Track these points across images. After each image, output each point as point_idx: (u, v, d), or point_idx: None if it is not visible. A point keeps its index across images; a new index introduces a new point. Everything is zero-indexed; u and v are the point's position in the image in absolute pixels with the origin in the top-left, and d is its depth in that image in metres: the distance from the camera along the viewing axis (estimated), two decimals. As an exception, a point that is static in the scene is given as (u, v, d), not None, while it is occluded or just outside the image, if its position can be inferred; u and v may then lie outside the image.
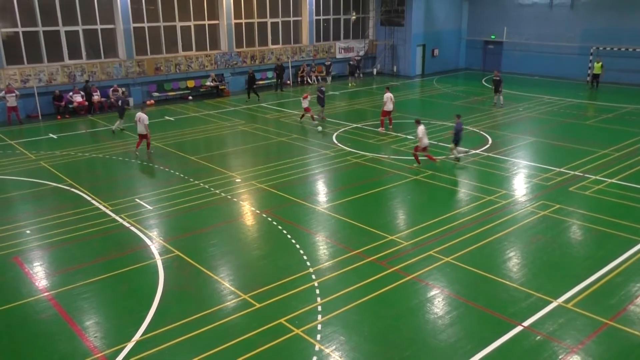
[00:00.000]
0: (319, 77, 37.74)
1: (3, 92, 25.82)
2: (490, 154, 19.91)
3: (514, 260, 12.06)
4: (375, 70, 41.32)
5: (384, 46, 41.40)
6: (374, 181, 17.27)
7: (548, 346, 9.06)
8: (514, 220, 14.09)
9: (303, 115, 25.63)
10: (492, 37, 41.03)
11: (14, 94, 25.88)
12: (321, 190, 16.88)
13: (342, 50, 40.43)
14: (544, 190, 16.23)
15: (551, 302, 10.30)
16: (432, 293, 10.72)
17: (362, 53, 40.90)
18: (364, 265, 11.78)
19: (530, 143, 21.65)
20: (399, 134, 22.91)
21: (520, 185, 16.84)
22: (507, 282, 11.07)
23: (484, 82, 36.73)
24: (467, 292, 10.72)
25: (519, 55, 40.09)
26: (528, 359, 8.78)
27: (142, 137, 20.68)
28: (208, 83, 32.96)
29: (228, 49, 34.54)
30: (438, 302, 10.44)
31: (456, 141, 18.91)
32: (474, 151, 20.13)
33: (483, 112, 27.43)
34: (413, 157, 18.75)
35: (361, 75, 39.52)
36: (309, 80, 37.38)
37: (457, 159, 18.87)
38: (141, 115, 20.35)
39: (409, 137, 21.62)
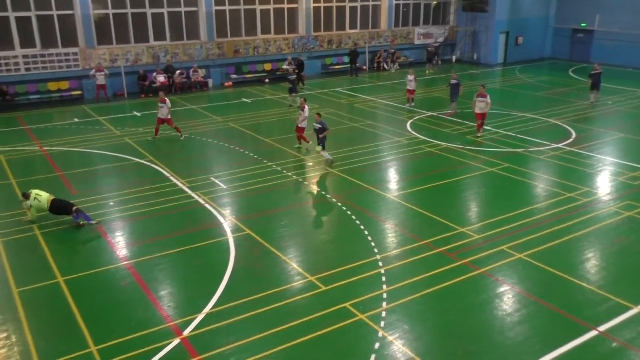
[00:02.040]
0: (396, 64, 37.17)
1: (93, 70, 27.32)
2: (573, 149, 18.97)
3: (592, 262, 11.49)
4: (454, 58, 40.22)
5: (464, 33, 40.19)
6: (447, 171, 16.92)
7: (625, 354, 8.61)
8: (595, 219, 13.39)
9: (410, 100, 25.86)
10: (583, 25, 38.82)
11: (103, 73, 27.33)
12: (392, 178, 16.75)
13: (421, 36, 39.60)
14: (630, 189, 15.30)
15: (631, 308, 9.75)
16: (502, 289, 10.42)
17: (441, 39, 39.89)
18: (432, 256, 11.62)
19: (619, 139, 20.42)
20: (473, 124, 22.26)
21: (604, 183, 15.96)
22: (584, 284, 10.58)
23: (570, 73, 34.90)
24: (539, 291, 10.34)
25: (610, 45, 37.71)
26: (602, 364, 8.40)
27: (163, 121, 20.46)
28: (285, 66, 33.31)
29: (306, 33, 34.73)
30: (507, 298, 10.14)
31: (321, 142, 17.36)
32: (554, 145, 19.24)
33: (568, 104, 26.10)
34: (486, 146, 18.17)
35: (439, 62, 38.60)
36: (384, 66, 36.95)
37: (330, 163, 17.37)
38: (166, 99, 20.36)
39: (486, 127, 20.92)
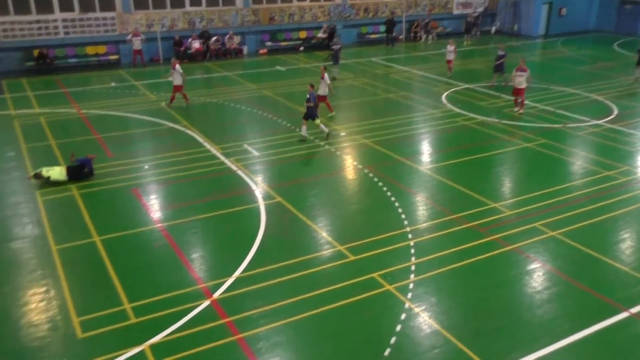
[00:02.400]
0: (434, 34, 36.35)
1: (130, 35, 27.55)
2: (613, 126, 18.38)
3: (628, 243, 11.23)
4: (493, 29, 39.07)
5: (505, 3, 38.92)
6: (482, 145, 16.64)
7: (656, 336, 8.46)
8: (634, 199, 13.03)
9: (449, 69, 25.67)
10: (632, -4, 37.17)
11: (139, 38, 27.55)
12: (425, 150, 16.57)
13: (460, 6, 38.56)
14: (672, 170, 14.81)
15: (666, 290, 9.54)
16: (532, 266, 10.30)
17: (480, 10, 38.76)
18: (462, 231, 11.53)
19: (663, 117, 19.69)
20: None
21: (644, 163, 15.49)
22: (618, 265, 10.37)
23: (615, 47, 33.59)
24: (571, 270, 10.19)
25: (661, 18, 36.06)
26: (632, 347, 8.27)
27: (178, 88, 20.24)
28: (320, 35, 32.96)
29: (342, 1, 34.19)
30: (538, 276, 10.03)
31: (312, 117, 16.80)
32: (595, 121, 18.68)
33: (611, 79, 25.20)
34: (523, 120, 17.76)
35: (478, 33, 37.59)
36: (421, 36, 36.19)
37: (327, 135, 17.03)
38: (177, 65, 20.03)
39: (526, 102, 20.40)
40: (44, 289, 9.51)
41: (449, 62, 25.75)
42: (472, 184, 13.79)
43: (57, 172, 13.53)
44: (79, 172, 13.74)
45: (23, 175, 14.05)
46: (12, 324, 8.63)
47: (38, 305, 9.06)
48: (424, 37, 35.88)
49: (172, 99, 20.44)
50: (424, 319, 8.78)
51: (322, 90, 18.98)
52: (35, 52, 26.40)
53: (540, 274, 10.09)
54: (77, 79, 24.99)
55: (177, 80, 20.00)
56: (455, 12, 38.44)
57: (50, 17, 26.74)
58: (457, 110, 20.18)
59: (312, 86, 17.21)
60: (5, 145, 16.45)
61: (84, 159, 13.94)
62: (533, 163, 15.56)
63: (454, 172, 14.65)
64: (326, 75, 18.95)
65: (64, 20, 27.01)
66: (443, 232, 11.47)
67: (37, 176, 13.47)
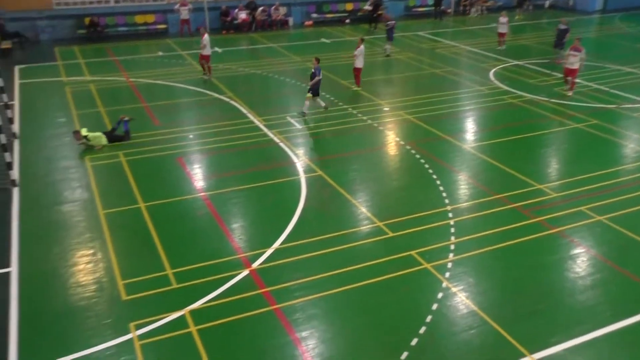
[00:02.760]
0: (484, 8, 35.23)
1: (178, 5, 27.75)
2: (672, 109, 17.54)
3: (680, 230, 10.79)
4: (547, 3, 37.52)
5: (562, -24, 37.26)
6: (529, 124, 16.17)
7: None
8: (689, 186, 12.48)
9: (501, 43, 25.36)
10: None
11: (187, 7, 27.73)
12: (469, 128, 16.23)
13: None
14: None
15: None
16: (576, 251, 10.05)
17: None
18: (505, 211, 11.32)
19: None
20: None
21: (703, 148, 14.75)
22: (667, 253, 10.00)
23: (679, 25, 31.79)
24: (617, 256, 9.89)
25: None
26: (677, 337, 8.03)
27: (207, 58, 20.25)
28: (366, 7, 32.39)
29: (390, -28, 33.44)
30: (581, 261, 9.78)
31: (314, 92, 16.50)
32: (652, 103, 17.83)
33: (672, 59, 23.93)
34: (574, 100, 17.11)
35: (531, 7, 36.18)
36: (470, 10, 35.07)
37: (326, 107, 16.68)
38: (205, 34, 19.99)
39: (579, 81, 19.62)
40: (91, 251, 9.89)
41: (501, 34, 25.20)
42: (518, 164, 13.46)
43: (96, 136, 14.09)
44: (112, 133, 14.54)
45: (74, 140, 14.50)
46: (61, 283, 9.02)
47: (86, 267, 9.43)
48: (473, 10, 34.79)
49: (210, 69, 20.55)
50: (461, 299, 8.73)
51: (358, 62, 18.77)
52: (87, 20, 26.97)
53: (585, 259, 9.83)
54: (126, 48, 25.44)
55: (205, 50, 19.95)
56: (508, -15, 37.04)
57: (101, -15, 27.22)
58: (504, 87, 19.62)
59: (318, 60, 16.79)
60: (57, 111, 16.99)
61: (119, 121, 14.72)
62: (582, 144, 15.04)
63: (498, 151, 14.33)
64: (362, 46, 18.72)
65: (115, -12, 27.45)
66: (485, 212, 11.29)
67: (77, 135, 13.96)
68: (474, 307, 8.53)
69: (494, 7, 36.09)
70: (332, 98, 18.32)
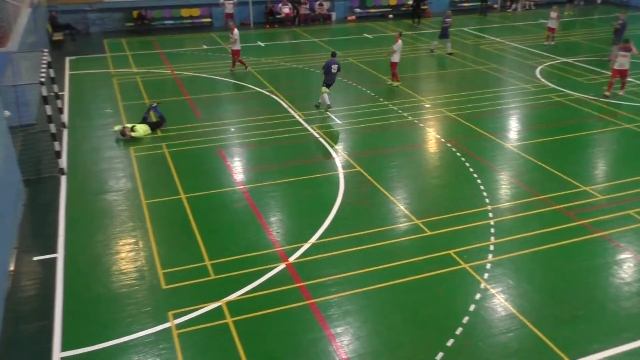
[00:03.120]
0: (531, 4, 34.32)
1: (223, -2, 28.10)
2: None
3: None
4: (599, -1, 36.28)
5: (616, -29, 35.94)
6: (576, 124, 15.70)
7: None
8: None
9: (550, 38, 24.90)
10: None
11: (232, 1, 28.03)
12: (513, 127, 15.87)
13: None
14: None
15: None
16: (623, 256, 9.71)
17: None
18: (548, 213, 11.03)
19: None
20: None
21: None
22: None
23: None
24: (666, 263, 9.52)
25: None
26: None
27: (236, 53, 20.46)
28: (410, 2, 32.02)
29: (436, -33, 32.95)
30: (628, 267, 9.45)
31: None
32: None
33: None
34: (625, 100, 16.48)
35: (582, 2, 35.03)
36: (517, 6, 34.21)
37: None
38: (235, 29, 20.21)
39: (631, 80, 18.88)
40: (133, 240, 10.15)
41: (550, 29, 24.53)
42: (563, 164, 13.09)
43: (143, 128, 14.51)
44: (153, 124, 15.08)
45: (120, 136, 14.87)
46: (103, 270, 9.30)
47: (128, 255, 9.68)
48: (514, 7, 33.90)
49: (235, 62, 20.72)
50: (500, 301, 8.57)
51: (395, 57, 18.63)
52: (135, 14, 27.60)
53: (631, 264, 9.49)
54: (172, 41, 25.91)
55: (236, 45, 20.16)
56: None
57: (149, -21, 27.80)
58: (551, 85, 19.09)
59: (334, 54, 16.88)
60: (104, 102, 17.47)
61: (148, 109, 15.41)
62: (632, 146, 14.49)
63: (543, 151, 13.96)
64: (400, 41, 18.61)
65: (162, -18, 27.99)
66: (527, 213, 11.03)
67: (125, 131, 14.30)
68: (512, 310, 8.36)
69: (542, 2, 35.13)
70: (372, 94, 18.22)
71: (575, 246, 9.97)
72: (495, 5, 34.09)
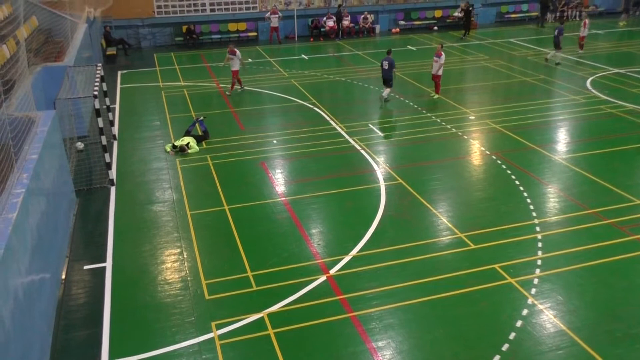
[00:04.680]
0: (580, 12, 33.46)
1: (269, 13, 28.56)
2: None
3: None
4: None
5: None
6: (630, 136, 15.12)
7: None
8: None
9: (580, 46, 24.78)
10: None
11: (277, 15, 28.47)
12: (562, 139, 15.42)
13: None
14: None
15: None
16: (680, 273, 9.25)
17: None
18: (599, 227, 10.64)
19: None
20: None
21: None
22: None
23: None
24: None
25: None
26: None
27: (235, 73, 19.79)
28: (456, 14, 31.76)
29: (482, -23, 32.60)
30: (685, 285, 8.99)
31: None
32: None
33: None
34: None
35: (638, 12, 33.87)
36: (568, 15, 33.43)
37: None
38: (236, 50, 19.59)
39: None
40: (178, 250, 10.35)
41: (580, 38, 24.63)
42: (615, 177, 12.63)
43: (192, 141, 14.81)
44: (198, 135, 15.45)
45: (167, 143, 15.26)
46: (149, 280, 9.50)
47: (173, 265, 9.88)
48: (548, 17, 33.00)
49: (233, 84, 20.04)
50: (548, 317, 8.29)
51: (435, 69, 18.52)
52: (184, 28, 28.40)
53: (689, 283, 9.04)
54: (218, 55, 26.47)
55: (235, 65, 19.62)
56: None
57: (198, -5, 28.60)
58: (603, 97, 18.49)
59: (389, 52, 18.42)
60: (153, 115, 17.99)
61: (194, 122, 15.81)
62: (691, 159, 13.86)
63: (594, 163, 13.51)
64: (443, 54, 18.45)
65: (210, -2, 28.74)
66: (576, 227, 10.67)
67: (182, 149, 14.59)
68: (562, 327, 8.08)
69: (595, 12, 34.21)
70: (414, 105, 18.09)
71: (629, 262, 9.57)
72: (546, 17, 33.18)
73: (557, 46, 22.80)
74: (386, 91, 18.39)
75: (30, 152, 8.88)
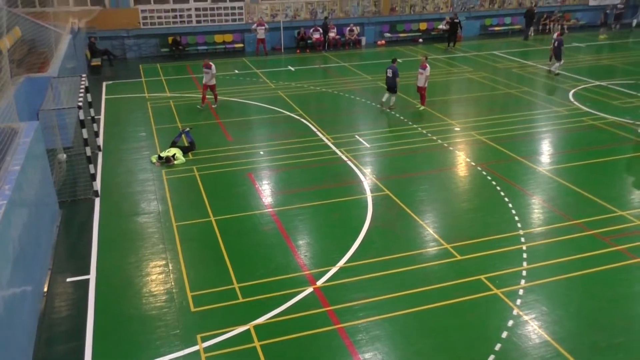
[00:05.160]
0: (563, 26, 34.04)
1: (255, 24, 28.65)
2: None
3: None
4: (635, 22, 35.70)
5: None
6: (611, 148, 15.35)
7: None
8: None
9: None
10: None
11: (264, 27, 28.58)
12: (545, 150, 15.61)
13: (598, -4, 35.62)
14: None
15: None
16: (662, 283, 9.37)
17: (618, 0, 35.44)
18: (582, 238, 10.75)
19: None
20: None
21: None
22: None
23: None
24: None
25: None
26: None
27: (209, 87, 19.45)
28: (441, 26, 32.11)
29: (467, -9, 33.06)
30: (668, 294, 9.11)
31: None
32: None
33: None
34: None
35: (617, 26, 34.52)
36: (550, 28, 33.97)
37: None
38: (212, 64, 19.25)
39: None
40: (163, 262, 10.26)
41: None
42: (597, 188, 12.79)
43: (178, 152, 14.74)
44: (184, 146, 15.44)
45: (153, 154, 15.18)
46: (134, 292, 9.40)
47: (158, 277, 9.78)
48: (529, 32, 33.60)
49: (216, 96, 19.76)
50: (534, 328, 8.33)
51: (421, 81, 18.66)
52: (170, 39, 28.36)
53: (671, 293, 9.15)
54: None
55: (207, 79, 19.28)
56: (592, 3, 35.61)
57: (185, 6, 28.58)
58: (585, 109, 18.78)
59: (394, 61, 19.05)
60: (139, 126, 17.89)
61: (180, 133, 15.89)
62: (671, 170, 14.09)
63: (576, 175, 13.68)
64: (428, 67, 18.68)
65: (197, 9, 28.72)
66: (560, 238, 10.78)
67: (168, 160, 14.50)
68: (547, 337, 8.12)
69: (576, 25, 34.82)
70: (401, 117, 18.21)
71: (612, 272, 9.67)
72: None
73: (557, 57, 23.21)
74: (386, 95, 19.10)
75: (13, 164, 8.77)
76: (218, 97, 19.98)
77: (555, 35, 24.11)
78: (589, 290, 9.25)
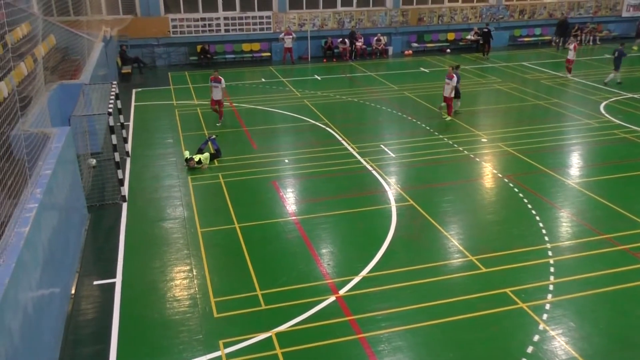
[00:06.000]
0: (595, 38, 33.50)
1: (283, 34, 28.90)
2: None
3: None
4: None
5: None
6: (644, 161, 15.01)
7: None
8: None
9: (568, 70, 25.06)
10: None
11: (291, 36, 28.80)
12: (575, 163, 15.33)
13: (631, 8, 34.99)
14: None
15: None
16: (696, 302, 9.08)
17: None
18: (613, 253, 10.50)
19: None
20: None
21: None
22: None
23: None
24: None
25: None
26: None
27: (217, 102, 18.59)
28: (469, 37, 31.92)
29: (496, 2, 32.79)
30: (702, 313, 8.82)
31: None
32: None
33: None
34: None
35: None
36: (582, 39, 33.44)
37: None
38: (221, 78, 18.26)
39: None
40: (188, 267, 10.35)
41: (568, 61, 24.67)
42: (629, 203, 12.49)
43: (206, 157, 14.99)
44: (214, 154, 15.58)
45: (179, 160, 15.38)
46: (158, 296, 9.50)
47: (182, 282, 9.87)
48: (560, 42, 33.02)
49: (221, 113, 18.91)
50: (560, 344, 8.15)
51: (447, 92, 18.50)
52: (198, 48, 28.77)
53: None
54: (231, 74, 26.74)
55: (217, 95, 18.37)
56: (625, 14, 34.97)
57: (214, 15, 28.99)
58: (617, 121, 18.40)
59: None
60: (166, 132, 18.15)
61: (206, 140, 16.01)
62: None
63: (607, 188, 13.39)
64: (455, 77, 18.47)
65: (226, 18, 29.11)
66: (590, 252, 10.54)
67: (191, 162, 14.71)
68: (574, 354, 7.93)
69: (609, 37, 34.23)
70: (426, 127, 18.11)
71: (643, 289, 9.42)
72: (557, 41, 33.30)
73: (617, 67, 23.09)
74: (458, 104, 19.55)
75: (44, 168, 8.98)
76: (223, 115, 18.87)
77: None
78: (619, 307, 9.02)
